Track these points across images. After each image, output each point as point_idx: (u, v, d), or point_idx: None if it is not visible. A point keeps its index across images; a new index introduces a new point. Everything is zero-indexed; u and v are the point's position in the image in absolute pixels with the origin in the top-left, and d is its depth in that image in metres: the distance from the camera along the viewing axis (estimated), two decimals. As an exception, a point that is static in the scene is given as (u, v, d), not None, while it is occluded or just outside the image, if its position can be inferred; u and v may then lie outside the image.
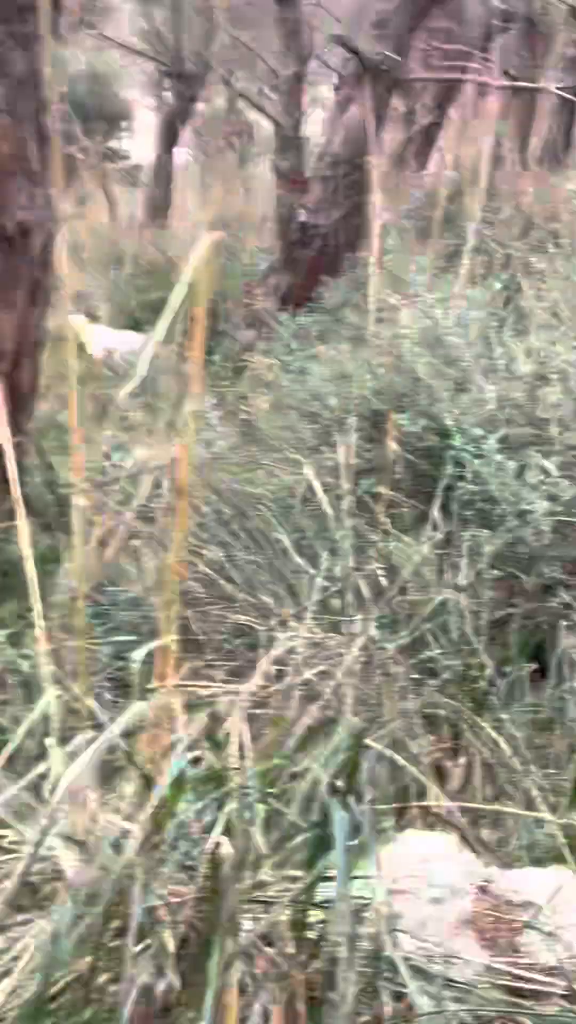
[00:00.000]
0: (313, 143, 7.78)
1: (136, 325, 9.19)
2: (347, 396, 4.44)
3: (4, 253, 3.80)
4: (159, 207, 13.66)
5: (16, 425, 3.17)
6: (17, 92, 3.69)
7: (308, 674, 2.65)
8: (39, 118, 3.72)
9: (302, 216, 7.54)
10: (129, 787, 1.67)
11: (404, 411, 4.18)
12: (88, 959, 1.41)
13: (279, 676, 2.58)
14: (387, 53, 7.01)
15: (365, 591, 3.25)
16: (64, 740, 1.70)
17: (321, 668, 2.70)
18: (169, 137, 13.68)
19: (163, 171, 13.79)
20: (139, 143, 16.31)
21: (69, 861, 1.53)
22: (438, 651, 3.07)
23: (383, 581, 3.29)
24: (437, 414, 3.98)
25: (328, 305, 7.18)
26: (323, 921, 1.50)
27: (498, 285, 5.02)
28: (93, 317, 9.68)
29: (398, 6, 7.09)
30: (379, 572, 3.30)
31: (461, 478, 3.73)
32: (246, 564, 3.54)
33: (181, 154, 14.93)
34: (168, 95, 13.87)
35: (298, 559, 3.44)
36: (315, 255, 7.55)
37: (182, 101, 13.39)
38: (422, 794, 2.36)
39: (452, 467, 3.75)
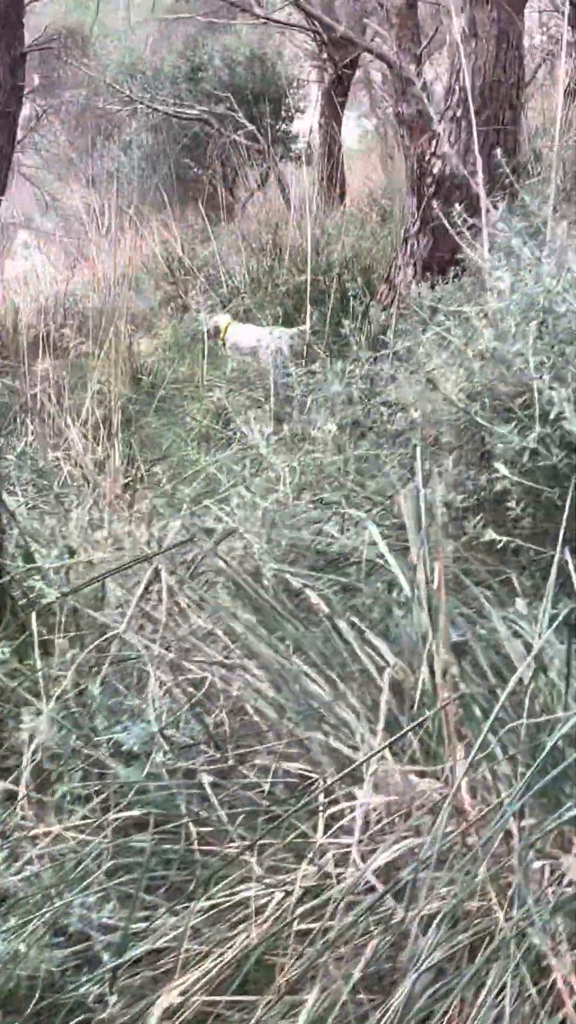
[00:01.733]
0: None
1: (286, 317, 8.30)
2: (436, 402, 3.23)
3: None
4: (330, 183, 12.58)
5: None
6: None
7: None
8: None
9: (435, 166, 6.28)
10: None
11: (512, 419, 2.96)
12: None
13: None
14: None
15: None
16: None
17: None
18: (331, 109, 12.57)
19: (330, 146, 12.70)
20: (308, 122, 15.25)
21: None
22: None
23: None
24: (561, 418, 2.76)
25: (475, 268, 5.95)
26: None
27: None
28: (239, 314, 8.82)
29: None
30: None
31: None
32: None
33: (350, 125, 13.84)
34: (327, 68, 12.73)
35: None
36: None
37: (337, 70, 12.25)
38: None
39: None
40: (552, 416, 2.83)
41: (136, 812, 2.35)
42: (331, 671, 2.47)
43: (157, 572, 2.58)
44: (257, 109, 14.02)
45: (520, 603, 2.47)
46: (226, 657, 2.56)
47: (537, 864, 1.98)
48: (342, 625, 2.56)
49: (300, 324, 7.44)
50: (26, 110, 14.24)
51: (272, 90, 14.17)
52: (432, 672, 2.35)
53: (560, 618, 2.29)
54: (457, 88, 6.16)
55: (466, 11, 6.21)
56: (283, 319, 8.28)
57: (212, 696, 2.60)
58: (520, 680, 2.24)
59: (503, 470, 2.82)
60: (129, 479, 5.62)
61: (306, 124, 14.97)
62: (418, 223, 6.38)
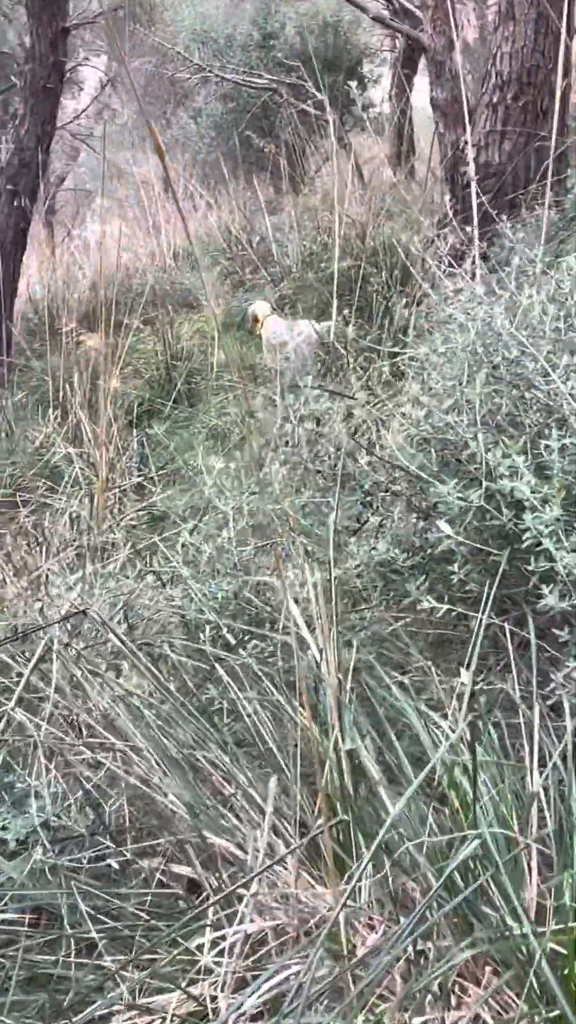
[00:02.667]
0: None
1: (325, 305, 8.00)
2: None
3: None
4: (401, 157, 12.19)
5: None
6: None
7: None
8: None
9: (470, 154, 5.93)
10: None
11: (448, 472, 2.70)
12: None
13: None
14: None
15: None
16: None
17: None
18: (403, 80, 12.16)
19: (400, 119, 12.29)
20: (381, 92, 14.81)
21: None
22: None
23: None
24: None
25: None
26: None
27: None
28: (286, 298, 8.54)
29: None
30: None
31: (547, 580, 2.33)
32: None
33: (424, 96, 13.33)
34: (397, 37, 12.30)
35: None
36: (490, 199, 5.94)
37: (409, 40, 11.78)
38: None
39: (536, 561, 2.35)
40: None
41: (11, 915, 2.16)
42: (237, 764, 2.24)
43: (50, 645, 2.36)
44: (328, 78, 13.65)
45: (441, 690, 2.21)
46: (124, 740, 2.33)
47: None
48: (252, 707, 2.32)
49: (338, 314, 7.14)
50: (95, 77, 14.03)
51: (344, 59, 13.77)
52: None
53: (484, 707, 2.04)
54: (494, 73, 5.80)
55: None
56: (322, 308, 8.00)
57: (113, 781, 2.39)
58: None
59: (446, 529, 2.54)
60: (133, 482, 5.42)
61: (379, 95, 14.56)
62: (453, 212, 6.03)
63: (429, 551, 2.66)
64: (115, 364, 6.78)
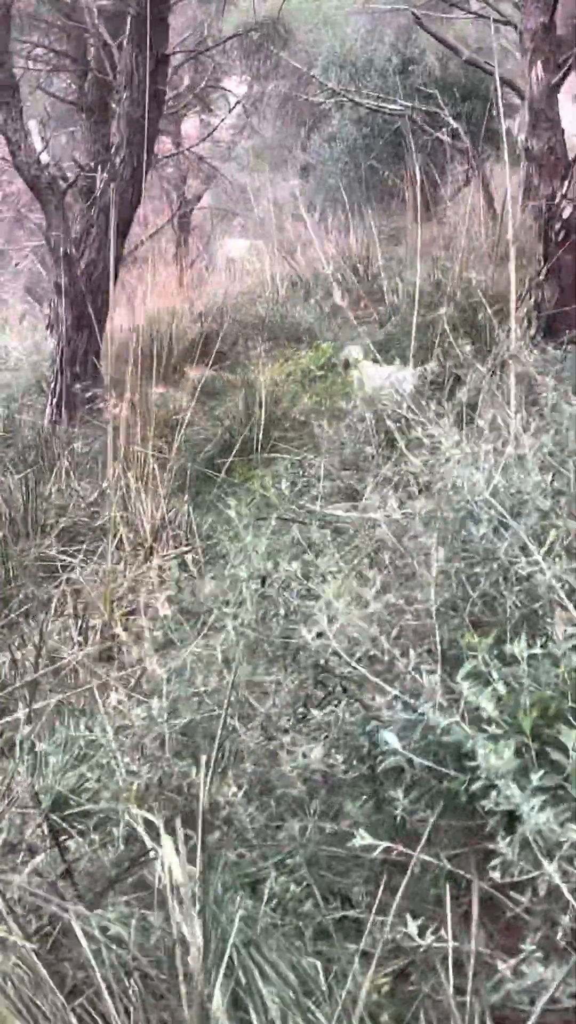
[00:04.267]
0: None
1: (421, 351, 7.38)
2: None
3: None
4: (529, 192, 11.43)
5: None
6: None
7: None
8: None
9: (566, 210, 5.29)
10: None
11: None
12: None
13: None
14: None
15: None
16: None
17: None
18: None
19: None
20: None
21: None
22: None
23: None
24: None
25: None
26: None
27: None
28: (386, 348, 7.96)
29: None
30: None
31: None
32: None
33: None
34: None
35: None
36: (586, 263, 5.31)
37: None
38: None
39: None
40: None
41: None
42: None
43: None
44: (467, 106, 12.99)
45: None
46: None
47: None
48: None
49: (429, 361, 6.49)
50: (234, 99, 13.64)
51: (483, 87, 13.06)
52: None
53: None
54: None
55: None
56: (423, 355, 7.38)
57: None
58: None
59: (392, 743, 1.97)
60: (175, 552, 4.93)
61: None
62: (544, 272, 5.39)
63: (378, 760, 2.08)
64: (184, 413, 6.33)
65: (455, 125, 12.19)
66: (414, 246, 10.17)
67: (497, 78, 6.02)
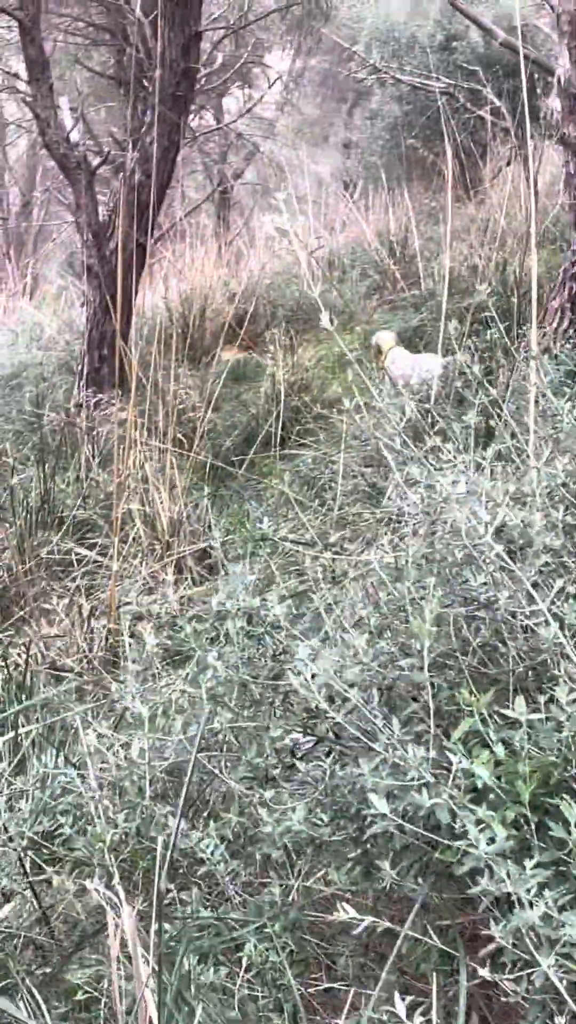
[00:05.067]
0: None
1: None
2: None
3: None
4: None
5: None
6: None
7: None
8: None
9: (605, 201, 5.04)
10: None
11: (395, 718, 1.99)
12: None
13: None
14: None
15: None
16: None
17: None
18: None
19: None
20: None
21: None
22: None
23: None
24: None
25: None
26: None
27: None
28: (419, 335, 7.73)
29: None
30: None
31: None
32: None
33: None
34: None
35: None
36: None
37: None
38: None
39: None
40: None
41: None
42: None
43: None
44: (511, 83, 12.62)
45: None
46: None
47: None
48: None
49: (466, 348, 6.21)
50: (276, 75, 13.35)
51: (529, 64, 12.67)
52: None
53: None
54: None
55: None
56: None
57: None
58: None
59: (380, 807, 1.78)
60: (193, 548, 4.75)
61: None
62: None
63: (367, 821, 1.90)
64: (208, 402, 6.14)
65: (497, 103, 11.87)
66: (451, 227, 9.89)
67: (522, 62, 5.71)
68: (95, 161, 7.14)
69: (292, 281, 10.40)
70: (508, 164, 12.87)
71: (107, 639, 3.73)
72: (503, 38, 7.18)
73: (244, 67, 11.70)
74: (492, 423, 4.09)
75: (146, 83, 7.30)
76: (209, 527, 4.86)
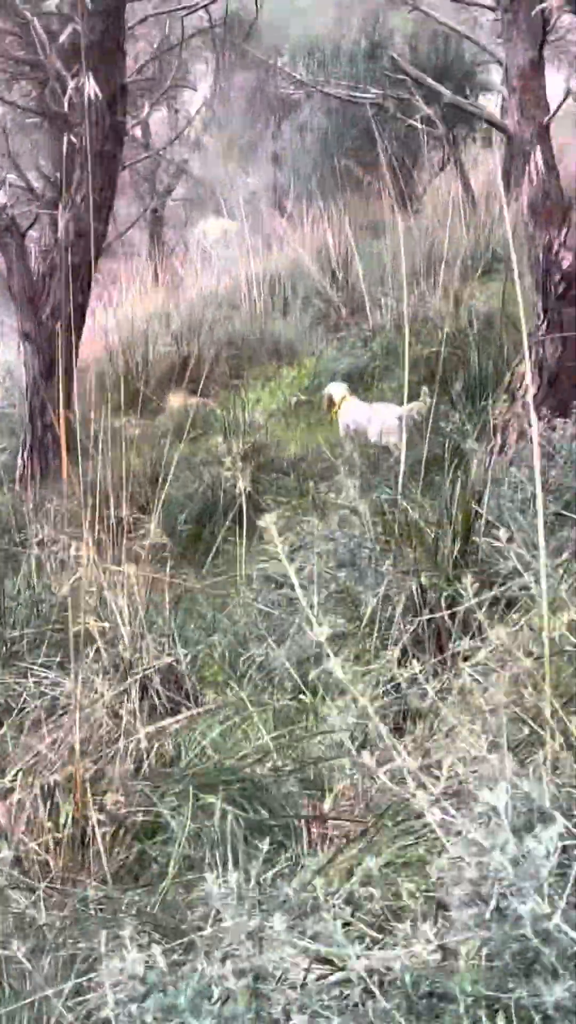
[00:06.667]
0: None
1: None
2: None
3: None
4: (510, 176, 10.72)
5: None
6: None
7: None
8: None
9: (566, 260, 4.66)
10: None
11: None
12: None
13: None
14: None
15: None
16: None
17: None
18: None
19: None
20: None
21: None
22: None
23: None
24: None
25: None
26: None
27: None
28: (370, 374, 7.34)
29: None
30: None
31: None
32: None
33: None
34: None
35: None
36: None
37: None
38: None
39: None
40: None
41: None
42: None
43: None
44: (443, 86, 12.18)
45: None
46: None
47: None
48: None
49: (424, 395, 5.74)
50: (202, 92, 12.86)
51: (456, 69, 12.27)
52: None
53: None
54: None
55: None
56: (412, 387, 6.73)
57: None
58: None
59: None
60: (159, 663, 4.32)
61: (494, 102, 12.99)
62: (545, 325, 4.77)
63: None
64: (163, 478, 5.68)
65: (427, 111, 11.43)
66: (393, 241, 9.35)
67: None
68: (24, 224, 6.67)
69: (234, 313, 9.94)
70: (442, 169, 12.48)
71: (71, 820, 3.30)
72: (449, 97, 6.73)
73: (169, 89, 11.17)
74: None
75: (72, 138, 6.81)
76: (174, 640, 4.44)
